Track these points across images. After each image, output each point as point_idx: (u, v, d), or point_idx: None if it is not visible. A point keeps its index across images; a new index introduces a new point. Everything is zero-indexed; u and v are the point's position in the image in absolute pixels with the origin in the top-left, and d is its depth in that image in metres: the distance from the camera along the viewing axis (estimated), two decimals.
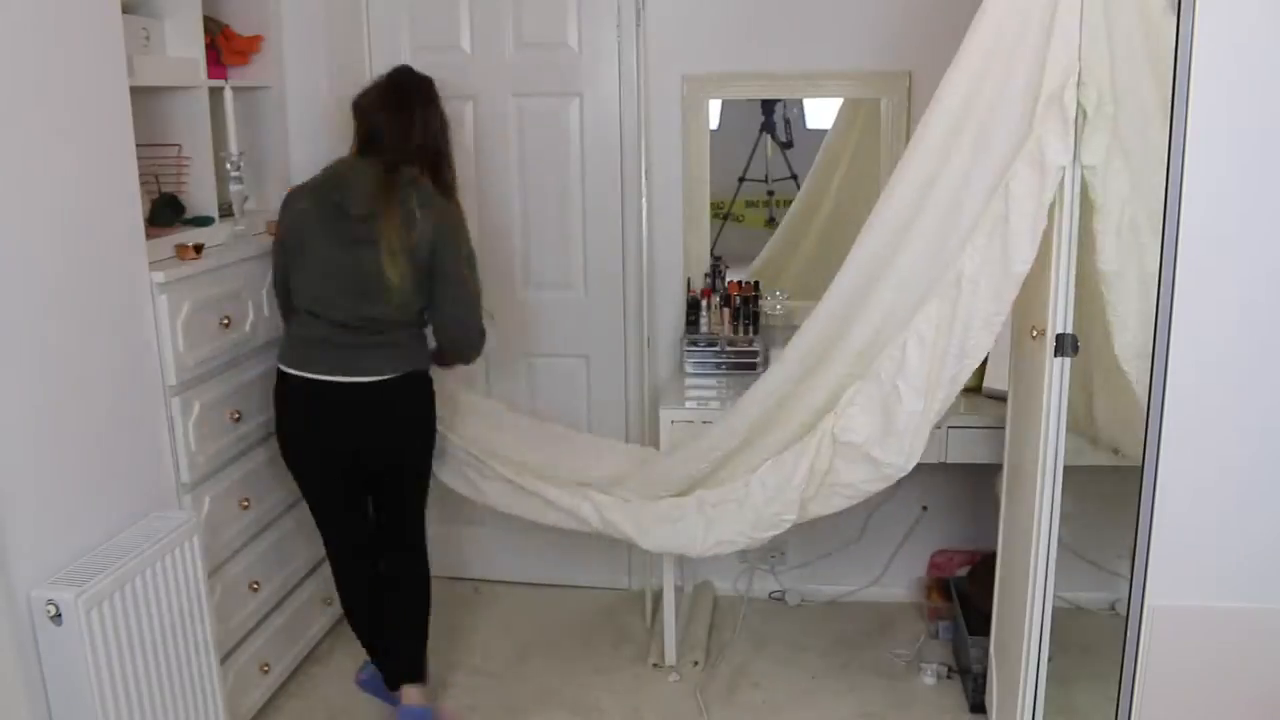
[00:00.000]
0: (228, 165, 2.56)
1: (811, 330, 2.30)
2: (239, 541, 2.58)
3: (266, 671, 2.70)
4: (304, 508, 2.89)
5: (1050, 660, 2.12)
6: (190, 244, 2.37)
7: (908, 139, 3.04)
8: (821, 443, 2.29)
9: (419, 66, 3.14)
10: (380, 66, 3.15)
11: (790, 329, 2.58)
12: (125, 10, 2.18)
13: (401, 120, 2.44)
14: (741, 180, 3.30)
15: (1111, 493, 2.40)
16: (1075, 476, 2.14)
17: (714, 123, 3.16)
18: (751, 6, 3.04)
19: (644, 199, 3.14)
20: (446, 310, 2.48)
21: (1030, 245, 2.00)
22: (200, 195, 2.56)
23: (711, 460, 2.51)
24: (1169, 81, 1.76)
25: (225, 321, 2.46)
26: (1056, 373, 2.00)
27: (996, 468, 2.56)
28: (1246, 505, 1.87)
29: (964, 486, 3.15)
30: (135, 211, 2.20)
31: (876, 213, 2.16)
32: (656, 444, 2.88)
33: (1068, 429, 2.07)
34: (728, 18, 3.06)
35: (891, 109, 3.03)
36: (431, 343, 2.60)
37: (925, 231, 2.11)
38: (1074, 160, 1.93)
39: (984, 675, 2.65)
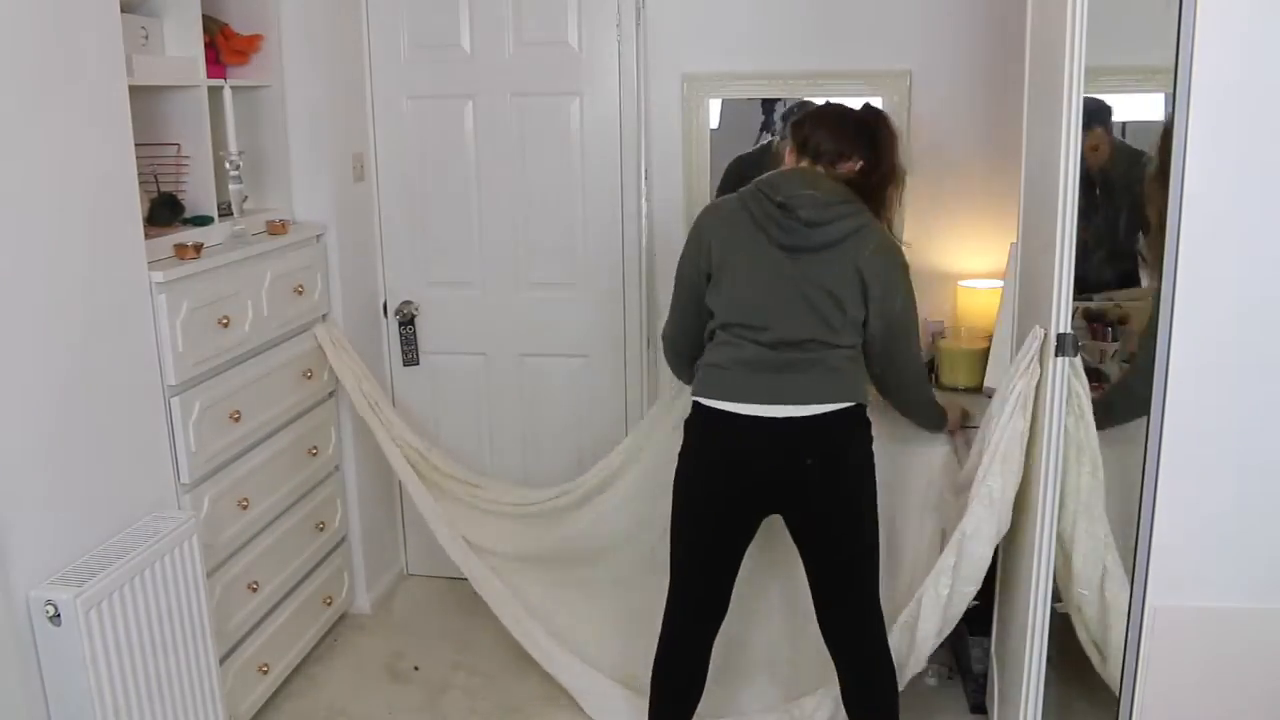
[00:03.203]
0: (227, 165, 2.56)
1: None
2: (239, 541, 2.57)
3: (266, 671, 2.70)
4: (303, 507, 2.89)
5: (1050, 660, 2.11)
6: (189, 244, 2.37)
7: (908, 138, 3.05)
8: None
9: (419, 66, 3.17)
10: (380, 66, 3.18)
11: None
12: (125, 10, 2.18)
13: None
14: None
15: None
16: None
17: (714, 123, 3.16)
18: (751, 6, 3.04)
19: (644, 199, 3.14)
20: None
21: None
22: (199, 195, 2.56)
23: None
24: None
25: (224, 321, 2.46)
26: (1057, 373, 2.00)
27: None
28: (1246, 505, 1.87)
29: None
30: (134, 211, 2.20)
31: None
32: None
33: None
34: (728, 18, 3.06)
35: (891, 109, 3.02)
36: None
37: None
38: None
39: (984, 675, 2.65)
